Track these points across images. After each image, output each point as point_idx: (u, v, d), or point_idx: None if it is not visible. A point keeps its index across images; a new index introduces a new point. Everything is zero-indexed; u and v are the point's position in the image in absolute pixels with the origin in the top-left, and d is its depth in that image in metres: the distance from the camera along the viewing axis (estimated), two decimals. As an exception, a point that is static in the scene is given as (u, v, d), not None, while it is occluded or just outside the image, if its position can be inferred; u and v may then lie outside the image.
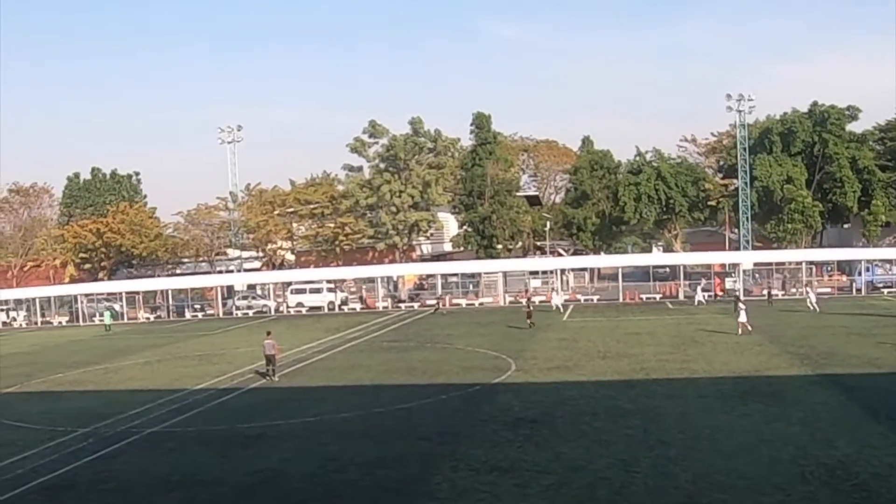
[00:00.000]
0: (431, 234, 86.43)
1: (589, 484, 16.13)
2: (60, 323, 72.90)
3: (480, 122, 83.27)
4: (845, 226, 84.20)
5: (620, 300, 64.36)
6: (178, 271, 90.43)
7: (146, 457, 20.33)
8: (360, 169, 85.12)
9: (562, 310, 56.15)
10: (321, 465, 18.65)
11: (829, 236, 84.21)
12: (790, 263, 66.97)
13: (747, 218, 74.79)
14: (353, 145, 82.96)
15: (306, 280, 72.26)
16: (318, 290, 70.63)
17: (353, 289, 76.33)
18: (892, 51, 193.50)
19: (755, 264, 68.72)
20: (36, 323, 73.44)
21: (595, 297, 66.62)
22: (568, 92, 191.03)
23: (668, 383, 26.47)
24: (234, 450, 20.51)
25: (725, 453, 17.69)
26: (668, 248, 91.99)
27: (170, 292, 74.54)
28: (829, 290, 64.25)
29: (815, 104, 78.19)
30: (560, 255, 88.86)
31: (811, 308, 48.96)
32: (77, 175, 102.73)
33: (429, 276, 73.76)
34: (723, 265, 71.25)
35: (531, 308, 47.95)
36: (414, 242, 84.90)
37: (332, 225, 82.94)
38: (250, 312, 70.38)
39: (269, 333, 32.59)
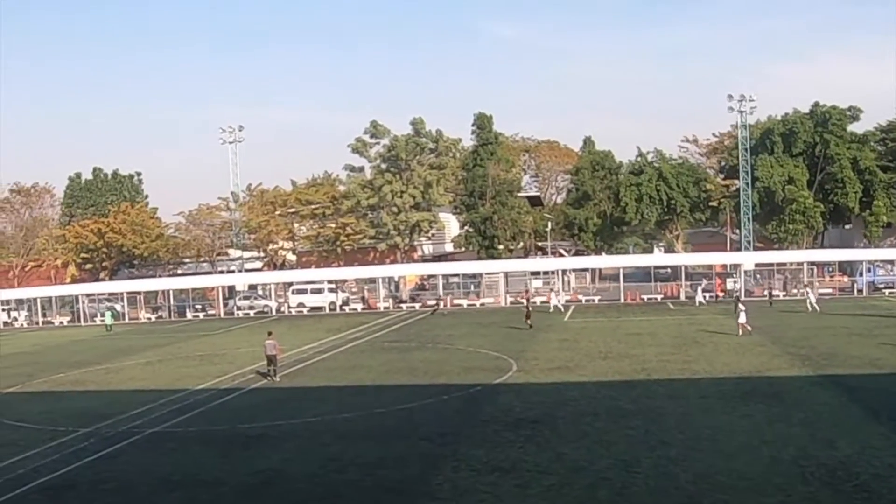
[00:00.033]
0: (433, 235, 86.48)
1: (590, 484, 16.13)
2: (62, 323, 72.98)
3: (482, 123, 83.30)
4: (847, 226, 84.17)
5: (622, 301, 64.38)
6: (179, 271, 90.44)
7: (147, 457, 20.34)
8: (361, 169, 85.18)
9: (561, 310, 56.12)
10: (322, 465, 18.66)
11: (830, 237, 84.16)
12: (791, 264, 67.01)
13: (749, 218, 74.80)
14: (354, 146, 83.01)
15: (307, 280, 72.31)
16: (319, 291, 70.68)
17: (355, 289, 76.39)
18: (893, 51, 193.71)
19: (756, 265, 68.74)
20: (37, 323, 73.50)
21: (596, 298, 66.64)
22: (569, 92, 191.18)
23: (669, 384, 26.46)
24: (236, 450, 20.52)
25: (726, 454, 17.68)
26: (669, 249, 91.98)
27: (171, 292, 74.60)
28: (830, 290, 64.29)
29: (816, 105, 78.21)
30: (561, 255, 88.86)
31: (810, 309, 48.93)
32: (78, 175, 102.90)
33: (430, 276, 73.81)
34: (724, 266, 71.27)
35: (530, 309, 47.99)
36: (415, 243, 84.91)
37: (333, 225, 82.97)
38: (251, 313, 70.43)
39: (270, 334, 32.57)
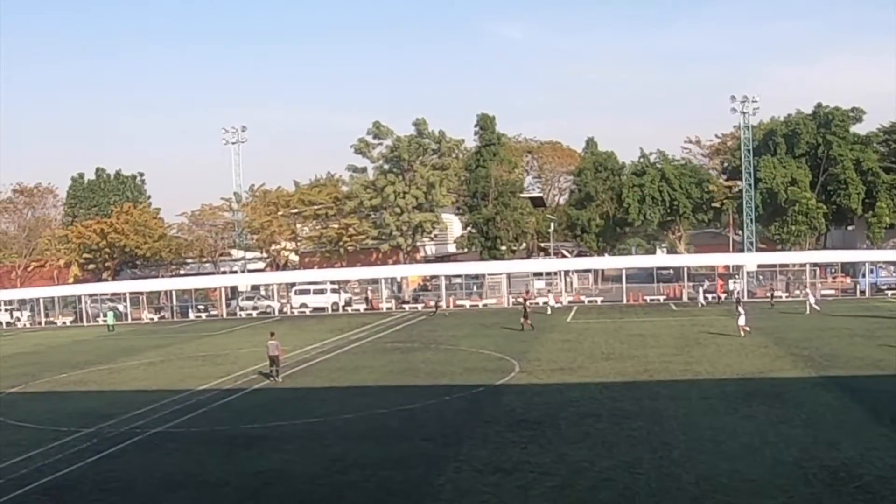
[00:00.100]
0: (435, 236, 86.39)
1: (592, 486, 16.13)
2: (64, 323, 73.07)
3: (484, 124, 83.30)
4: (849, 228, 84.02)
5: (624, 302, 64.40)
6: (181, 272, 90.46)
7: (150, 457, 20.35)
8: (364, 170, 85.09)
9: (549, 312, 55.63)
10: (325, 466, 18.67)
11: (833, 238, 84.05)
12: (794, 265, 66.96)
13: (751, 220, 74.72)
14: (357, 146, 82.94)
15: (310, 281, 72.34)
16: (321, 291, 70.73)
17: (357, 290, 76.41)
18: (895, 53, 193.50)
19: (759, 266, 68.72)
20: (40, 323, 73.65)
21: (599, 299, 66.66)
22: (572, 93, 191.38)
23: (671, 385, 26.46)
24: (238, 450, 20.52)
25: (728, 455, 17.67)
26: (671, 250, 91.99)
27: (174, 293, 74.72)
28: (832, 292, 64.26)
29: (819, 106, 78.07)
30: (564, 256, 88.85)
31: (809, 311, 48.82)
32: (81, 175, 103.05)
33: (433, 277, 73.82)
34: (727, 267, 71.20)
35: (527, 310, 48.00)
36: (418, 244, 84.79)
37: (335, 226, 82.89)
38: (254, 313, 70.47)
39: (272, 334, 32.60)
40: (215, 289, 76.59)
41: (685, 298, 63.75)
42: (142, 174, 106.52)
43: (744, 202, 74.75)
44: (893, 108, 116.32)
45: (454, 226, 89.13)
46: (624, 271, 70.25)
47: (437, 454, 19.09)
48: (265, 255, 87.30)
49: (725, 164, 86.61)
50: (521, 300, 56.04)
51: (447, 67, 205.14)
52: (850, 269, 69.35)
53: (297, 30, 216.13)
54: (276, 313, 69.80)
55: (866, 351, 32.17)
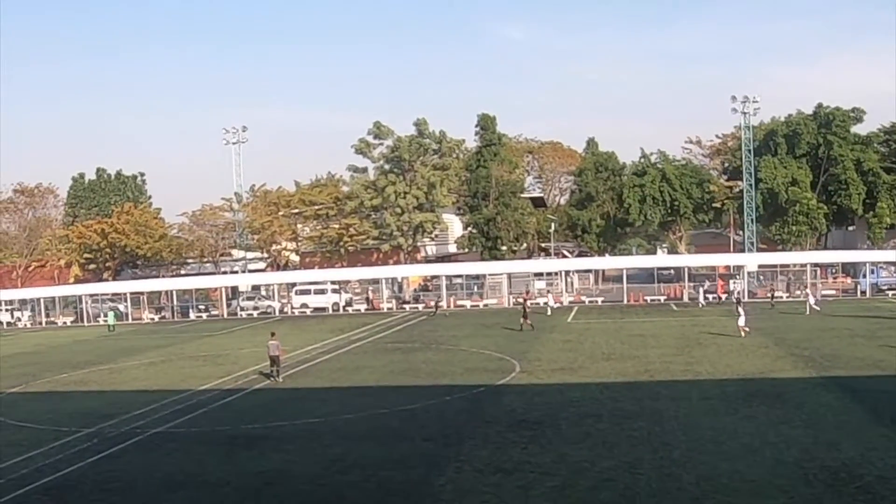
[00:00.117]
0: (436, 236, 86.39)
1: (593, 486, 16.14)
2: (65, 323, 73.06)
3: (485, 124, 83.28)
4: (850, 228, 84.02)
5: (625, 302, 64.39)
6: (182, 272, 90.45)
7: (150, 457, 20.36)
8: (364, 170, 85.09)
9: (549, 312, 55.53)
10: (325, 466, 18.67)
11: (833, 238, 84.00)
12: (795, 266, 66.93)
13: (752, 220, 74.70)
14: (357, 146, 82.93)
15: (311, 281, 72.32)
16: (322, 292, 70.72)
17: (358, 290, 76.42)
18: (895, 53, 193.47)
19: (760, 266, 68.68)
20: (40, 323, 73.66)
21: (599, 299, 66.63)
22: (572, 93, 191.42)
23: (672, 385, 26.46)
24: (239, 450, 20.53)
25: (729, 455, 17.67)
26: (672, 250, 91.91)
27: (174, 293, 74.71)
28: (833, 292, 64.23)
29: (819, 106, 78.04)
30: (565, 256, 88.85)
31: (808, 311, 48.77)
32: (82, 175, 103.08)
33: (433, 277, 73.83)
34: (727, 267, 71.14)
35: (526, 310, 48.00)
36: (418, 244, 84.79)
37: (336, 226, 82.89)
38: (255, 313, 70.48)
39: (273, 334, 32.62)
40: (216, 289, 76.61)
41: (686, 299, 63.72)
42: (142, 174, 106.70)
43: (744, 202, 74.72)
44: (894, 109, 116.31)
45: (455, 226, 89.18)
46: (624, 271, 70.25)
47: (438, 454, 19.09)
48: (266, 255, 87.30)
49: (726, 165, 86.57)
50: (520, 300, 56.01)
51: (447, 67, 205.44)
52: (850, 269, 69.29)
53: (297, 30, 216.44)
54: (277, 313, 69.80)
55: (867, 351, 32.17)
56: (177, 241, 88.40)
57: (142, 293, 73.71)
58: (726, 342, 36.37)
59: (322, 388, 29.86)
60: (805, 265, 65.06)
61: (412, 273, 76.61)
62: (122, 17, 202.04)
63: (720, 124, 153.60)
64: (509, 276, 70.61)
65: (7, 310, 75.87)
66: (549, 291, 64.09)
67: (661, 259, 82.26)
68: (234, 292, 75.47)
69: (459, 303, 68.61)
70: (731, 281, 65.49)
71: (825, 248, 79.45)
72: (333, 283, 71.70)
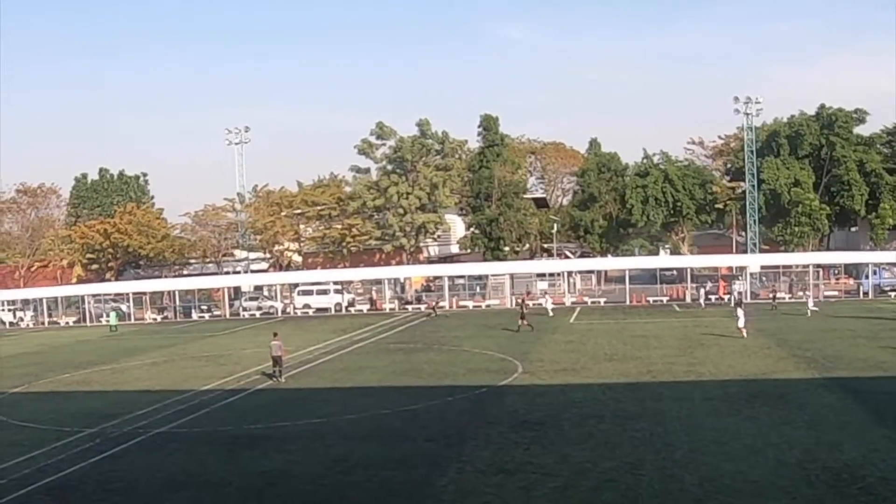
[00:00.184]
0: (439, 236, 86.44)
1: (595, 487, 16.13)
2: (67, 323, 73.12)
3: (488, 124, 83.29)
4: (853, 229, 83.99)
5: (627, 303, 64.35)
6: (185, 272, 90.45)
7: (153, 457, 20.38)
8: (367, 170, 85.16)
9: (551, 313, 55.49)
10: (328, 466, 18.68)
11: (836, 239, 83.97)
12: (797, 267, 66.88)
13: (754, 221, 74.64)
14: (360, 147, 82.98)
15: (313, 281, 72.34)
16: (325, 292, 70.73)
17: (360, 290, 76.44)
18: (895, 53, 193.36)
19: (762, 267, 68.63)
20: (43, 323, 73.71)
21: (602, 300, 66.61)
22: (575, 94, 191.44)
23: (674, 386, 26.45)
24: (241, 451, 20.54)
25: (731, 456, 17.66)
26: (675, 251, 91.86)
27: (177, 293, 74.79)
28: (836, 293, 64.17)
29: (822, 107, 77.98)
30: (567, 257, 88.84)
31: (809, 313, 48.68)
32: (85, 176, 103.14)
33: (436, 277, 73.84)
34: (730, 268, 71.06)
35: (524, 310, 47.97)
36: (421, 244, 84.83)
37: (339, 226, 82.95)
38: (257, 314, 70.51)
39: (275, 335, 32.65)
40: (218, 289, 76.68)
41: (688, 300, 63.68)
42: (145, 174, 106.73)
43: (747, 203, 74.68)
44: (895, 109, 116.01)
45: (457, 226, 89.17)
46: (627, 272, 70.21)
47: (440, 455, 19.09)
48: (268, 255, 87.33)
49: (729, 166, 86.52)
50: (519, 301, 55.98)
51: (447, 68, 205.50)
52: (853, 270, 69.24)
53: (297, 30, 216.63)
54: (280, 314, 69.82)
55: (869, 352, 32.13)
56: (179, 242, 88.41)
57: (144, 293, 73.81)
58: (729, 343, 36.34)
59: (324, 388, 29.86)
60: (807, 266, 65.01)
61: (415, 273, 76.65)
62: (122, 17, 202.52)
63: (722, 125, 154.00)
64: (512, 276, 70.61)
65: (10, 310, 75.95)
66: (545, 293, 64.11)
67: (663, 260, 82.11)
68: (236, 293, 75.53)
69: (462, 303, 68.60)
70: (734, 282, 65.41)
71: (828, 249, 79.41)
72: (336, 283, 71.71)
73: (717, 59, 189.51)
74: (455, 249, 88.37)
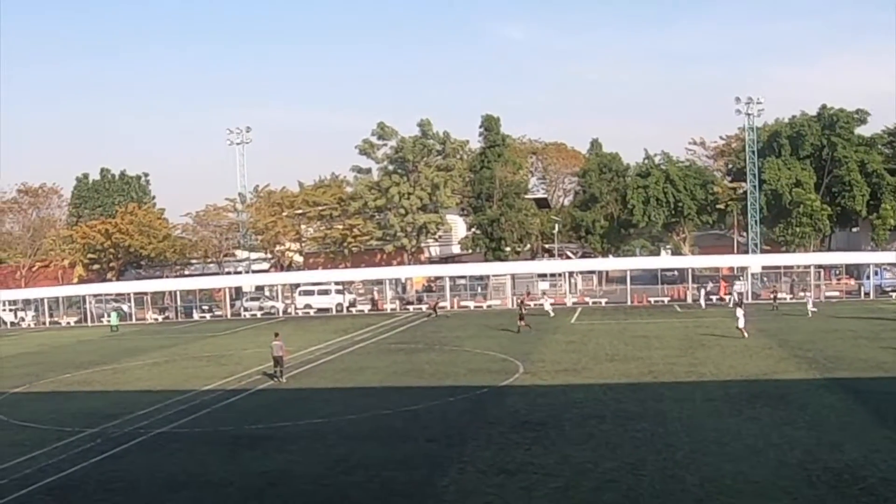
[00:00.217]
0: (440, 237, 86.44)
1: (596, 487, 16.13)
2: (69, 323, 73.14)
3: (489, 125, 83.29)
4: (854, 229, 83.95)
5: (628, 303, 64.33)
6: (186, 272, 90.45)
7: (154, 457, 20.39)
8: (368, 171, 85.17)
9: (551, 314, 55.40)
10: (329, 466, 18.68)
11: (837, 240, 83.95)
12: (798, 267, 66.86)
13: (756, 221, 74.59)
14: (361, 147, 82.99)
15: (314, 282, 72.34)
16: (326, 292, 70.71)
17: (361, 290, 76.44)
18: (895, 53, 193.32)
19: (763, 268, 68.59)
20: (44, 323, 73.74)
21: (603, 300, 66.59)
22: (576, 94, 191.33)
23: (675, 387, 26.44)
24: (242, 451, 20.55)
25: (732, 457, 17.66)
26: (676, 252, 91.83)
27: (178, 293, 74.82)
28: (837, 293, 64.13)
29: (823, 107, 77.96)
30: (568, 257, 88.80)
31: (810, 314, 48.66)
32: (86, 176, 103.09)
33: (437, 278, 73.84)
34: (731, 268, 71.03)
35: (523, 311, 47.97)
36: (422, 244, 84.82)
37: (340, 227, 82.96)
38: (258, 314, 70.52)
39: (277, 335, 32.66)
40: (220, 289, 76.70)
41: (689, 300, 63.65)
42: (146, 174, 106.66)
43: (748, 204, 74.61)
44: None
45: (458, 227, 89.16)
46: (628, 273, 70.18)
47: (441, 455, 19.09)
48: (269, 255, 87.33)
49: (730, 166, 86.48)
50: (519, 301, 55.96)
51: (448, 68, 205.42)
52: (854, 270, 69.21)
53: (297, 30, 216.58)
54: (281, 314, 69.84)
55: (870, 353, 32.12)
56: (180, 242, 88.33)
57: (145, 293, 73.81)
58: (730, 344, 36.32)
59: (325, 388, 29.86)
60: (809, 267, 64.99)
61: (416, 274, 76.67)
62: (122, 17, 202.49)
63: (723, 125, 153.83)
64: (513, 277, 70.62)
65: (11, 310, 75.98)
66: (544, 293, 64.11)
67: (664, 260, 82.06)
68: (237, 293, 75.51)
69: (463, 304, 68.59)
70: (735, 282, 65.38)
71: (829, 249, 79.39)
72: (337, 283, 71.70)
73: (718, 59, 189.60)
74: (456, 250, 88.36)
